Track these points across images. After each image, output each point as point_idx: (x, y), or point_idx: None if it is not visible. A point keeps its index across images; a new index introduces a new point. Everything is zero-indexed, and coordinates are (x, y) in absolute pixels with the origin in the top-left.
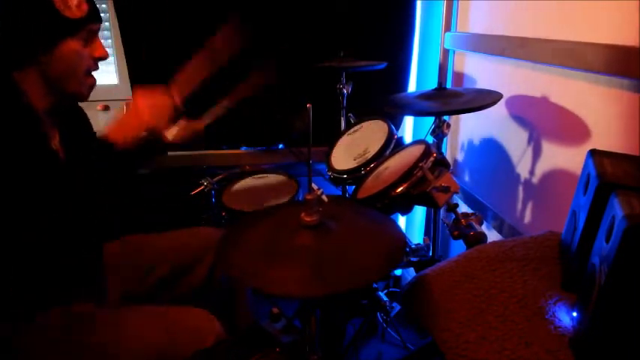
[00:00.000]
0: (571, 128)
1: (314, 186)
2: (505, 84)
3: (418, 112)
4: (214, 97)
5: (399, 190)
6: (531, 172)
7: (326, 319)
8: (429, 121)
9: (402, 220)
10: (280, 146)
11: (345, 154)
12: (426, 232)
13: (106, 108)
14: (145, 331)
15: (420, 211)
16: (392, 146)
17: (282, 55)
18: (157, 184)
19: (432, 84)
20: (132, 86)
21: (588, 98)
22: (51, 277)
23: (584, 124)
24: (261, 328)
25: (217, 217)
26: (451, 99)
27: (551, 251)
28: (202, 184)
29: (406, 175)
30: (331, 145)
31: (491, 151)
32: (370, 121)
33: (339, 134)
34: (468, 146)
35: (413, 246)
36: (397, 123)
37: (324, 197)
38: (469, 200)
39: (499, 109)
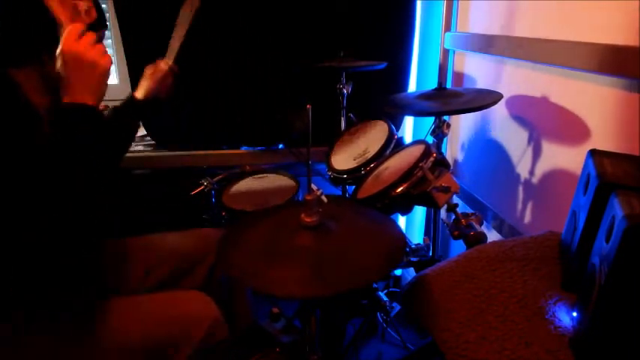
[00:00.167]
0: (571, 128)
1: (313, 186)
2: (505, 84)
3: (418, 112)
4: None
5: (399, 190)
6: (531, 172)
7: (326, 319)
8: (429, 121)
9: (402, 220)
10: (280, 146)
11: (345, 154)
12: (426, 232)
13: (106, 108)
14: (139, 317)
15: (420, 211)
16: (392, 146)
17: (281, 54)
18: (156, 184)
19: (432, 84)
20: (132, 86)
21: (588, 98)
22: (51, 277)
23: (584, 124)
24: (261, 328)
25: (217, 217)
26: (451, 99)
27: (551, 251)
28: (202, 184)
29: (406, 175)
30: (331, 145)
31: (491, 151)
32: (370, 121)
33: (339, 134)
34: (468, 146)
35: (413, 246)
36: (397, 123)
37: (323, 198)
38: (469, 200)
39: (499, 109)
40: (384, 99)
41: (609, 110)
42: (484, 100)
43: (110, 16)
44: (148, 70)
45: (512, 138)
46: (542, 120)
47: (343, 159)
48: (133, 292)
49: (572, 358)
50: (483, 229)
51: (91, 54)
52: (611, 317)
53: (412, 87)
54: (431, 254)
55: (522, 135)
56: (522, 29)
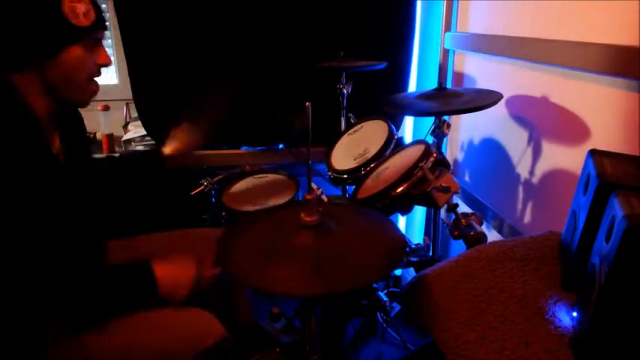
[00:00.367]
0: (571, 128)
1: (314, 185)
2: (505, 84)
3: (418, 112)
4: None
5: (399, 190)
6: (531, 172)
7: (326, 319)
8: (429, 121)
9: (402, 220)
10: (280, 146)
11: (345, 154)
12: (426, 232)
13: (106, 108)
14: (142, 336)
15: (420, 211)
16: (392, 146)
17: (281, 54)
18: (156, 184)
19: (432, 84)
20: (132, 86)
21: (588, 98)
22: (51, 278)
23: (584, 124)
24: (261, 328)
25: (217, 217)
26: (451, 99)
27: (551, 251)
28: (202, 184)
29: (406, 175)
30: (331, 145)
31: (491, 151)
32: (370, 121)
33: (339, 134)
34: (468, 146)
35: (413, 246)
36: (397, 123)
37: (323, 197)
38: (469, 200)
39: (499, 109)
40: (384, 99)
41: (609, 110)
42: (484, 100)
43: (110, 16)
44: (180, 133)
45: (512, 138)
46: (542, 120)
47: (343, 159)
48: None
49: (572, 358)
50: (483, 229)
51: (186, 291)
52: (611, 317)
53: (412, 87)
54: (431, 254)
55: (522, 135)
56: (522, 29)
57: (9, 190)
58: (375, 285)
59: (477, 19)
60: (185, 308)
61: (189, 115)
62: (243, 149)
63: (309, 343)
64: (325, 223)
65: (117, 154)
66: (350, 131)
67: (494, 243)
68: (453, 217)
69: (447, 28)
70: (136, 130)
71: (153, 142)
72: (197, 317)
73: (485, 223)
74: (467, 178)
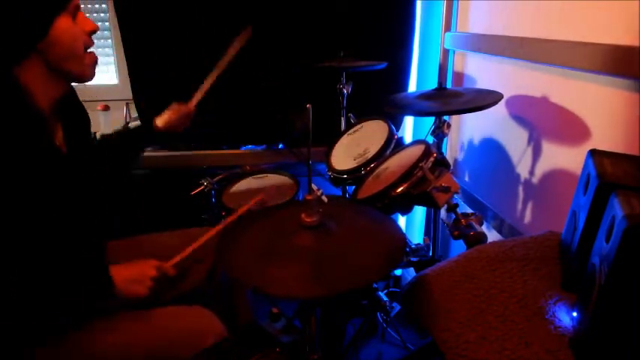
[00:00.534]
0: (571, 128)
1: (314, 186)
2: (505, 84)
3: (418, 112)
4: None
5: (399, 190)
6: (531, 172)
7: (326, 319)
8: (429, 121)
9: (402, 220)
10: (280, 146)
11: (345, 154)
12: (426, 232)
13: (106, 108)
14: (142, 335)
15: (420, 211)
16: (392, 146)
17: (281, 54)
18: (156, 184)
19: (432, 84)
20: (132, 86)
21: (588, 98)
22: (52, 277)
23: (584, 124)
24: (261, 328)
25: (217, 217)
26: (451, 99)
27: (551, 251)
28: (202, 184)
29: (406, 175)
30: (331, 145)
31: (491, 151)
32: (370, 121)
33: (339, 134)
34: (468, 146)
35: (413, 246)
36: (397, 123)
37: (323, 198)
38: (469, 200)
39: (499, 109)
40: (384, 99)
41: (609, 110)
42: (484, 100)
43: (110, 16)
44: (174, 106)
45: (512, 138)
46: (542, 120)
47: (343, 159)
48: None
49: (572, 358)
50: (483, 229)
51: (148, 281)
52: (611, 317)
53: (412, 87)
54: (431, 254)
55: (522, 135)
56: (522, 29)
57: (11, 185)
58: (375, 285)
59: (477, 19)
60: (183, 307)
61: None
62: (243, 149)
63: (309, 343)
64: (325, 224)
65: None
66: (350, 131)
67: (494, 243)
68: (453, 217)
69: (447, 28)
70: None
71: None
72: (197, 315)
73: (485, 223)
74: (467, 178)
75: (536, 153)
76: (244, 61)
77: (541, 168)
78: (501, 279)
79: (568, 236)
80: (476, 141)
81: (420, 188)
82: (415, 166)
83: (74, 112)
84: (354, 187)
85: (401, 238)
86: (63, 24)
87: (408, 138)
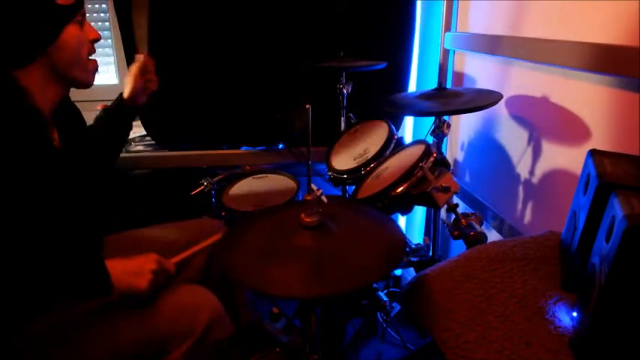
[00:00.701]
0: (571, 128)
1: (313, 187)
2: (505, 84)
3: (418, 112)
4: None
5: (399, 190)
6: (531, 172)
7: (326, 319)
8: (429, 121)
9: (402, 220)
10: (280, 146)
11: (345, 154)
12: (426, 232)
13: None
14: (137, 314)
15: (420, 211)
16: (392, 146)
17: (281, 54)
18: (157, 184)
19: (432, 84)
20: None
21: (588, 98)
22: (52, 277)
23: (584, 124)
24: (261, 328)
25: (217, 217)
26: (451, 99)
27: (551, 251)
28: (202, 184)
29: (406, 175)
30: (331, 145)
31: (491, 151)
32: (370, 121)
33: (339, 134)
34: (468, 146)
35: (413, 246)
36: (397, 123)
37: (323, 198)
38: (469, 200)
39: (499, 109)
40: (384, 99)
41: (609, 110)
42: (484, 100)
43: (110, 16)
44: (130, 69)
45: (512, 138)
46: (542, 120)
47: (343, 159)
48: None
49: (572, 358)
50: (483, 229)
51: (149, 275)
52: (611, 317)
53: (412, 87)
54: (431, 254)
55: (522, 135)
56: (522, 29)
57: (11, 185)
58: (375, 285)
59: (477, 19)
60: (182, 284)
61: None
62: (243, 149)
63: (309, 343)
64: (325, 224)
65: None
66: (350, 131)
67: (494, 243)
68: (453, 217)
69: (447, 28)
70: (136, 130)
71: (153, 142)
72: (191, 291)
73: (485, 223)
74: (467, 178)
75: (536, 153)
76: (244, 61)
77: (541, 168)
78: (501, 279)
79: (568, 236)
80: (476, 141)
81: (420, 188)
82: (415, 166)
83: (70, 116)
84: (354, 187)
85: (401, 238)
86: (71, 31)
87: (408, 138)
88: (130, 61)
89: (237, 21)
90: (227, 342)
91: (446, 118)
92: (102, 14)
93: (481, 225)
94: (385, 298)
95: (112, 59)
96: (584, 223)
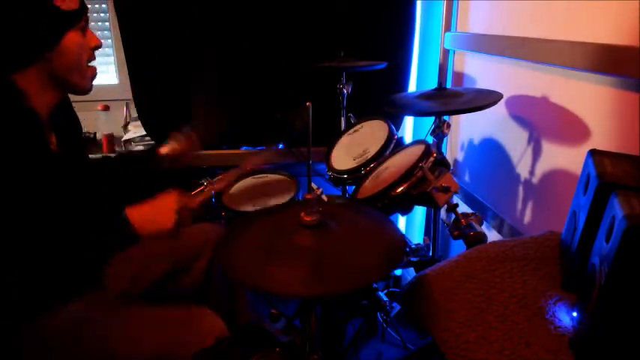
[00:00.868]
0: (571, 128)
1: (314, 185)
2: (505, 84)
3: (418, 112)
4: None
5: (399, 190)
6: (531, 172)
7: (326, 318)
8: (429, 121)
9: (402, 220)
10: (280, 146)
11: (345, 154)
12: (426, 232)
13: (106, 108)
14: (144, 333)
15: (420, 211)
16: (392, 146)
17: (281, 54)
18: (157, 184)
19: (432, 84)
20: (132, 86)
21: (588, 98)
22: (52, 277)
23: (584, 124)
24: (261, 328)
25: (217, 217)
26: (451, 99)
27: (551, 251)
28: (202, 184)
29: (406, 175)
30: (331, 145)
31: (491, 151)
32: (370, 121)
33: (339, 134)
34: (468, 146)
35: (413, 246)
36: (397, 123)
37: (323, 197)
38: (469, 200)
39: (499, 109)
40: (384, 99)
41: (609, 110)
42: (484, 100)
43: (110, 16)
44: (179, 136)
45: (512, 138)
46: (542, 120)
47: (343, 159)
48: (132, 289)
49: (572, 358)
50: (483, 229)
51: (175, 214)
52: (611, 317)
53: (412, 87)
54: (431, 254)
55: (522, 135)
56: (522, 29)
57: (9, 187)
58: (375, 285)
59: (477, 19)
60: (185, 305)
61: (191, 121)
62: (243, 149)
63: (309, 343)
64: (325, 223)
65: (114, 155)
66: (350, 131)
67: (494, 243)
68: (453, 217)
69: (447, 28)
70: (136, 130)
71: (153, 142)
72: (197, 314)
73: (485, 223)
74: (467, 178)
75: (536, 153)
76: (244, 61)
77: (541, 168)
78: (501, 279)
79: (568, 236)
80: (476, 141)
81: (420, 188)
82: (415, 166)
83: (68, 119)
84: (354, 187)
85: (401, 238)
86: (73, 37)
87: (408, 138)
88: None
89: (238, 21)
90: (227, 342)
91: (446, 118)
92: (102, 14)
93: (481, 225)
94: (385, 298)
95: (112, 59)
96: (584, 223)
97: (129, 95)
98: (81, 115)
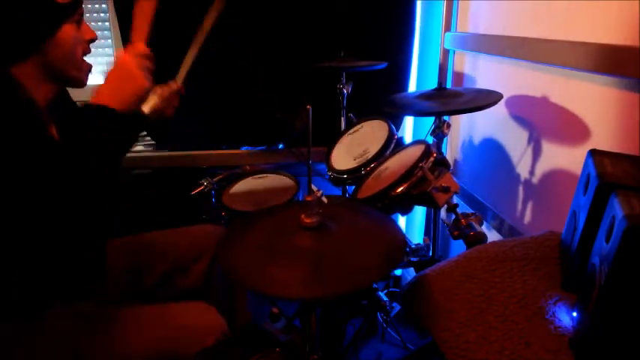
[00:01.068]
0: (571, 128)
1: (314, 187)
2: (505, 84)
3: (418, 112)
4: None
5: (399, 190)
6: (531, 172)
7: (326, 319)
8: (429, 121)
9: (402, 220)
10: (280, 146)
11: (345, 154)
12: (426, 232)
13: None
14: (145, 331)
15: (420, 211)
16: (392, 146)
17: (281, 54)
18: (157, 184)
19: (432, 84)
20: None
21: (588, 98)
22: (52, 277)
23: (584, 124)
24: (261, 328)
25: (217, 217)
26: (451, 99)
27: (551, 251)
28: (202, 184)
29: (406, 175)
30: (331, 145)
31: (491, 151)
32: (370, 121)
33: (339, 134)
34: (468, 146)
35: (413, 246)
36: (397, 123)
37: (323, 199)
38: (469, 200)
39: (499, 109)
40: (384, 99)
41: (609, 110)
42: (484, 100)
43: (110, 16)
44: (158, 89)
45: (512, 138)
46: (542, 120)
47: (343, 159)
48: (133, 290)
49: (572, 358)
50: (483, 229)
51: (138, 70)
52: (611, 317)
53: (412, 87)
54: (431, 254)
55: (522, 135)
56: (522, 29)
57: (10, 185)
58: (375, 285)
59: (477, 19)
60: (185, 303)
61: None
62: (243, 149)
63: (309, 343)
64: (325, 224)
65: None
66: (350, 131)
67: (494, 243)
68: (453, 217)
69: (447, 28)
70: None
71: (153, 142)
72: (197, 312)
73: (485, 223)
74: (467, 178)
75: (536, 153)
76: (244, 61)
77: (541, 168)
78: (501, 279)
79: (568, 236)
80: (476, 141)
81: (420, 188)
82: (415, 166)
83: (69, 112)
84: (354, 187)
85: (401, 238)
86: (68, 29)
87: (408, 138)
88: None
89: (237, 21)
90: (227, 342)
91: (446, 118)
92: (102, 14)
93: (481, 225)
94: (385, 298)
95: (112, 59)
96: (584, 223)
97: None
98: None
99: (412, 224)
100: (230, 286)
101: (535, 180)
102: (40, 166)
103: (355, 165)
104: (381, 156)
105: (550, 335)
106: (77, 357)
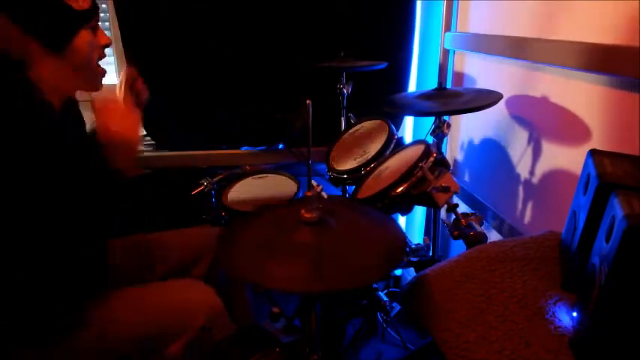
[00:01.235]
0: (571, 128)
1: (314, 182)
2: (505, 84)
3: (418, 112)
4: None
5: (399, 190)
6: (531, 172)
7: (326, 318)
8: (429, 121)
9: (402, 220)
10: (280, 146)
11: (345, 154)
12: (426, 232)
13: None
14: (136, 310)
15: (420, 211)
16: (392, 146)
17: (281, 54)
18: (157, 184)
19: (432, 84)
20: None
21: (588, 98)
22: (53, 278)
23: (584, 124)
24: (261, 328)
25: (217, 217)
26: (451, 99)
27: (551, 251)
28: (202, 184)
29: (406, 175)
30: (331, 145)
31: (491, 151)
32: (370, 121)
33: (339, 134)
34: (468, 146)
35: (413, 246)
36: (397, 123)
37: (323, 194)
38: (469, 200)
39: (499, 109)
40: (384, 99)
41: (609, 110)
42: (484, 100)
43: (110, 16)
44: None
45: (512, 138)
46: (542, 120)
47: (343, 159)
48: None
49: (572, 358)
50: (483, 229)
51: (132, 132)
52: (611, 317)
53: (412, 87)
54: (431, 254)
55: (522, 135)
56: (522, 29)
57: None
58: (375, 285)
59: (477, 19)
60: (181, 279)
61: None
62: (243, 149)
63: (309, 343)
64: (325, 220)
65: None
66: (350, 131)
67: (494, 243)
68: (453, 217)
69: (447, 28)
70: None
71: (153, 142)
72: (192, 287)
73: (485, 223)
74: (467, 178)
75: (536, 153)
76: (244, 61)
77: (541, 168)
78: (501, 279)
79: (568, 236)
80: (476, 141)
81: (420, 188)
82: (415, 166)
83: (74, 118)
84: (354, 187)
85: (401, 238)
86: (85, 35)
87: (408, 138)
88: (132, 60)
89: (237, 21)
90: (227, 343)
91: (446, 118)
92: (102, 14)
93: (481, 225)
94: (385, 298)
95: (112, 59)
96: (584, 223)
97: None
98: None
99: (412, 224)
100: (230, 286)
101: (535, 180)
102: (52, 167)
103: (355, 165)
104: (380, 156)
105: (550, 335)
106: (73, 342)
